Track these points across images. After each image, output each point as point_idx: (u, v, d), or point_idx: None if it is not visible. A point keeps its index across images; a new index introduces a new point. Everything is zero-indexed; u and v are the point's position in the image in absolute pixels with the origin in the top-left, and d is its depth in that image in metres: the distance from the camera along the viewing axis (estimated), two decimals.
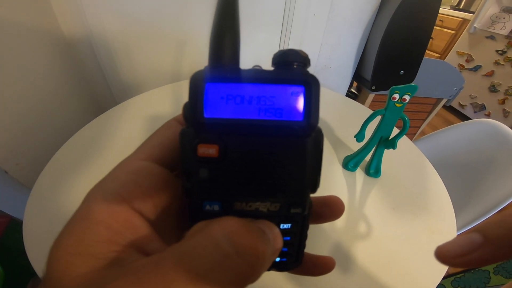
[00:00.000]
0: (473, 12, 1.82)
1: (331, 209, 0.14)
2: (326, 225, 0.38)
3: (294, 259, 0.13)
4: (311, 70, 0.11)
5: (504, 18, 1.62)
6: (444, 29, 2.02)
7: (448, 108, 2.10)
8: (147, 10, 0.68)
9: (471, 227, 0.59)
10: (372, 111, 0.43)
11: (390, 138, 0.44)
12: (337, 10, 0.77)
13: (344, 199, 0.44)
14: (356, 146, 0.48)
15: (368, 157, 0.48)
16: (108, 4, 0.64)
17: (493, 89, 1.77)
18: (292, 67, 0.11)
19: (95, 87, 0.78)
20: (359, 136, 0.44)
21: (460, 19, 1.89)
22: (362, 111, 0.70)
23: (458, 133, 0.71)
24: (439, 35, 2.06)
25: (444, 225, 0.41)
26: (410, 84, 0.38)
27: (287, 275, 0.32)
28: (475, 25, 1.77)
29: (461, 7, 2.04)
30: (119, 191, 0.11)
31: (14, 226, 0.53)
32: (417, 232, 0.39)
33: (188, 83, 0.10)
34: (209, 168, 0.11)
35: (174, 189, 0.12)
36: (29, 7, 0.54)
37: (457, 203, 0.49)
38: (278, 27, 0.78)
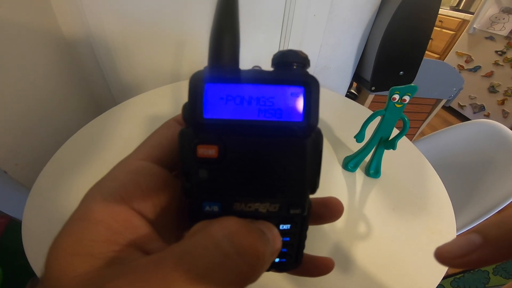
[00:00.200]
0: (472, 13, 1.82)
1: (330, 210, 0.14)
2: (326, 226, 0.38)
3: (293, 260, 0.13)
4: (310, 70, 0.11)
5: (503, 18, 1.62)
6: (444, 30, 2.03)
7: (448, 108, 2.10)
8: (147, 10, 0.68)
9: (470, 227, 0.59)
10: (372, 112, 0.43)
11: (390, 138, 0.44)
12: (337, 11, 0.77)
13: (344, 199, 0.44)
14: (356, 146, 0.48)
15: (368, 158, 0.48)
16: (108, 4, 0.64)
17: (492, 89, 1.78)
18: (291, 68, 0.11)
19: (95, 87, 0.78)
20: (359, 137, 0.44)
21: (460, 20, 1.90)
22: (361, 111, 0.70)
23: (457, 134, 0.71)
24: (438, 36, 2.07)
25: (444, 225, 0.41)
26: (410, 84, 0.38)
27: (286, 275, 0.32)
28: (474, 26, 1.77)
29: (460, 8, 2.04)
30: (118, 191, 0.11)
31: (13, 226, 0.53)
32: (417, 232, 0.39)
33: (187, 83, 0.10)
34: (209, 169, 0.11)
35: (173, 189, 0.12)
36: (29, 7, 0.54)
37: (457, 204, 0.49)
38: (278, 27, 0.78)
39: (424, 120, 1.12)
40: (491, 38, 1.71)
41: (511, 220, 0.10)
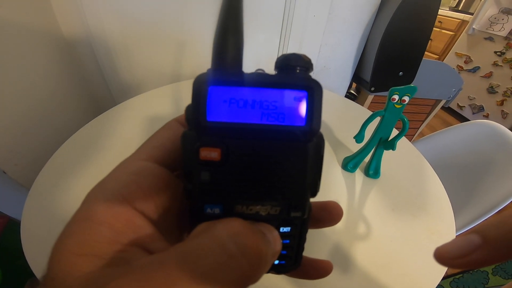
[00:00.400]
0: (472, 14, 1.82)
1: (330, 214, 0.14)
2: None
3: (293, 262, 0.13)
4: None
5: (502, 19, 1.62)
6: (443, 30, 2.03)
7: (447, 109, 2.11)
8: (147, 10, 0.68)
9: (470, 228, 0.59)
10: (372, 112, 0.43)
11: (389, 139, 0.44)
12: (336, 11, 0.77)
13: (343, 200, 0.44)
14: (355, 147, 0.49)
15: (367, 158, 0.48)
16: (108, 4, 0.64)
17: (491, 90, 1.78)
18: (295, 72, 0.11)
19: (95, 87, 0.78)
20: (358, 137, 0.44)
21: (459, 21, 1.90)
22: (361, 112, 0.70)
23: (456, 134, 0.71)
24: (438, 36, 2.07)
25: (443, 226, 0.41)
26: (409, 85, 0.38)
27: (285, 277, 0.32)
28: (473, 27, 1.78)
29: (460, 8, 2.04)
30: (121, 191, 0.11)
31: (12, 227, 0.53)
32: (416, 233, 0.40)
33: (188, 83, 0.10)
34: (211, 171, 0.11)
35: (175, 190, 0.12)
36: (29, 7, 0.54)
37: (456, 204, 0.49)
38: (277, 28, 0.78)
39: (423, 121, 1.12)
40: (490, 38, 1.72)
41: (510, 220, 0.10)
